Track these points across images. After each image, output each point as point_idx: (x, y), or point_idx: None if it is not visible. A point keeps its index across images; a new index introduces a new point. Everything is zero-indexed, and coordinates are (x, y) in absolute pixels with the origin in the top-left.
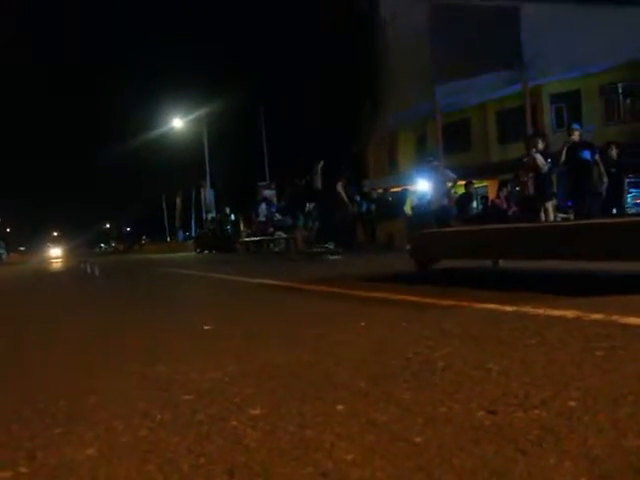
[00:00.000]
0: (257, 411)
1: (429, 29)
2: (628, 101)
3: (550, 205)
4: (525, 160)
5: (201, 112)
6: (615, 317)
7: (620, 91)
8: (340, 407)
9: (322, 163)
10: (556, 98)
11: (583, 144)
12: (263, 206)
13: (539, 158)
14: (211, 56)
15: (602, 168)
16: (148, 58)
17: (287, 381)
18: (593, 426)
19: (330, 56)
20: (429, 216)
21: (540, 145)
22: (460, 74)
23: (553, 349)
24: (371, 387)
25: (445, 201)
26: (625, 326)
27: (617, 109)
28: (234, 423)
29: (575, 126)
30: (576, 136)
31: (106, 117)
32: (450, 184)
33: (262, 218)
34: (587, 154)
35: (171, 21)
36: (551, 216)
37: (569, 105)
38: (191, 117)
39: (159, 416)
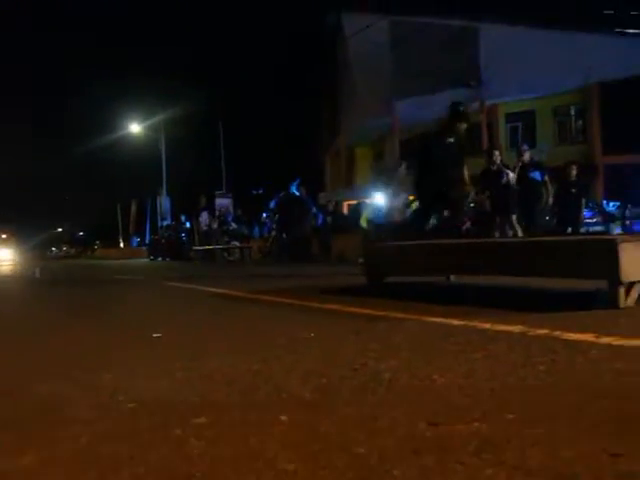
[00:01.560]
0: (202, 420)
1: (390, 46)
2: (580, 123)
3: (514, 218)
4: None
5: (159, 119)
6: (558, 332)
7: (572, 113)
8: (284, 417)
9: (299, 180)
10: (511, 117)
11: (533, 164)
12: (204, 215)
13: (508, 172)
14: (171, 64)
15: (550, 189)
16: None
17: (234, 390)
18: (531, 438)
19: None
20: (388, 229)
21: (499, 159)
22: (419, 90)
23: (497, 363)
24: (317, 397)
25: (407, 214)
26: (566, 341)
27: (569, 130)
28: (178, 432)
29: (524, 147)
30: (526, 156)
31: (62, 118)
32: (411, 197)
33: (204, 227)
34: (537, 174)
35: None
36: (518, 229)
37: (524, 124)
38: (149, 123)
39: (101, 424)
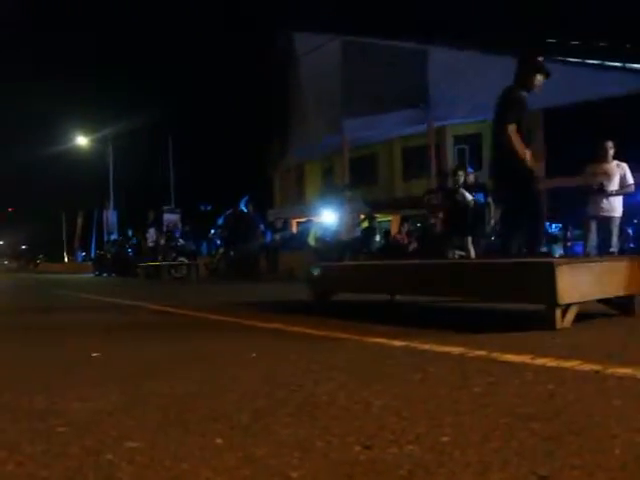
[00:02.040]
0: (135, 444)
1: (340, 65)
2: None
3: (469, 240)
4: (432, 199)
5: (107, 131)
6: (496, 354)
7: None
8: (219, 440)
9: (247, 197)
10: (459, 140)
11: (477, 186)
12: (152, 231)
13: (466, 194)
14: (122, 77)
15: (492, 210)
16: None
17: (170, 413)
18: (462, 461)
19: (241, 87)
20: (337, 248)
21: (462, 179)
22: (369, 110)
23: (434, 385)
24: (253, 420)
25: (357, 233)
26: (503, 363)
27: None
28: (109, 456)
29: (469, 169)
30: (471, 178)
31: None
32: (362, 216)
33: (151, 243)
34: (480, 196)
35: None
36: (472, 251)
37: (471, 147)
38: (97, 136)
39: (29, 449)
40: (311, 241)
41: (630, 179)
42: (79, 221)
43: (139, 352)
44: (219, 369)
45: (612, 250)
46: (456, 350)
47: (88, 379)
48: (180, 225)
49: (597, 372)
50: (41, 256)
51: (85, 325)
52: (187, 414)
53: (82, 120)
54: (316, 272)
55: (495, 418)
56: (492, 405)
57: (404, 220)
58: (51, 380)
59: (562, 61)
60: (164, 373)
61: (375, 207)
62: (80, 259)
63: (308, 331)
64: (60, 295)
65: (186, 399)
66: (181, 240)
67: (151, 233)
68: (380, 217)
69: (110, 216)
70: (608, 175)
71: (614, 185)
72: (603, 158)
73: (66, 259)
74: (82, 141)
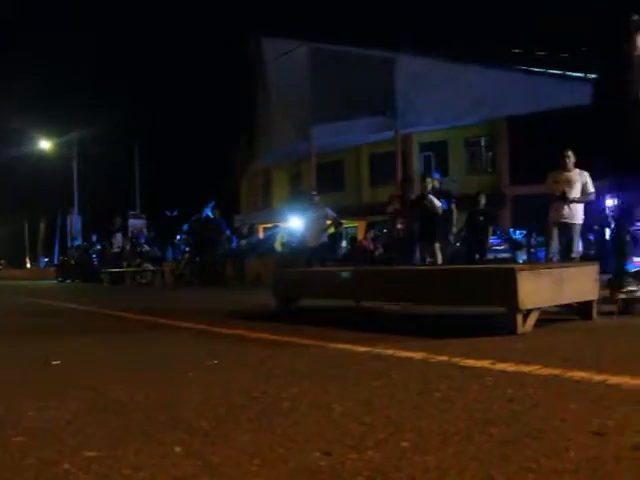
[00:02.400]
0: (93, 453)
1: (308, 72)
2: (489, 154)
3: (437, 246)
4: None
5: (72, 136)
6: (457, 359)
7: (482, 144)
8: (178, 449)
9: (213, 203)
10: (425, 147)
11: (441, 192)
12: (118, 236)
13: (435, 200)
14: (85, 81)
15: (455, 216)
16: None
17: (130, 420)
18: (421, 466)
19: (209, 92)
20: (304, 253)
21: (430, 186)
22: (336, 117)
23: (396, 390)
24: (213, 427)
25: (324, 239)
26: (464, 368)
27: (479, 161)
28: (66, 466)
29: (435, 175)
30: (435, 184)
31: None
32: (328, 222)
33: (116, 249)
34: (444, 203)
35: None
36: (439, 257)
37: (437, 154)
38: (62, 140)
39: None
40: (277, 247)
41: (591, 187)
42: (42, 226)
43: (99, 359)
44: (180, 376)
45: (573, 256)
46: (419, 355)
47: (47, 387)
48: (145, 231)
49: (555, 376)
50: (2, 262)
51: (45, 332)
52: (147, 422)
53: (46, 124)
54: (280, 278)
55: (454, 423)
56: (452, 410)
57: (370, 226)
58: (8, 388)
59: (526, 71)
60: (124, 380)
61: (341, 213)
62: (43, 265)
63: (272, 337)
64: (21, 302)
65: (146, 406)
66: (146, 246)
67: (117, 239)
68: (347, 223)
69: (74, 221)
70: (569, 183)
71: (575, 193)
72: (564, 167)
73: (29, 265)
74: (45, 145)
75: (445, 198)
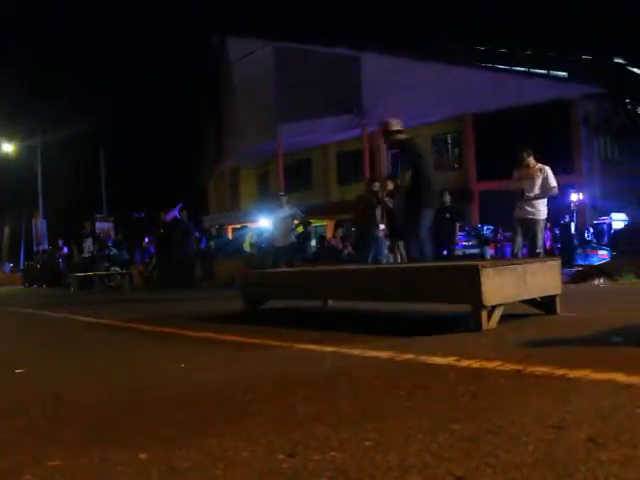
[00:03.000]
0: (56, 462)
1: (274, 71)
2: (456, 151)
3: (401, 245)
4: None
5: (36, 139)
6: (423, 357)
7: (449, 141)
8: (143, 455)
9: (181, 204)
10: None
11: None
12: (89, 241)
13: (388, 201)
14: (49, 82)
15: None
16: None
17: (95, 428)
18: (383, 465)
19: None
20: (272, 254)
21: (390, 186)
22: (303, 116)
23: (361, 390)
24: (179, 432)
25: (292, 238)
26: (429, 366)
27: (446, 158)
28: (28, 477)
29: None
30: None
31: None
32: (296, 222)
33: (87, 254)
34: None
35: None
36: (403, 254)
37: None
38: (25, 143)
39: None
40: (246, 247)
41: (552, 182)
42: (6, 231)
43: (63, 365)
44: (147, 380)
45: (538, 251)
46: (385, 354)
47: (9, 396)
48: (113, 233)
49: (518, 372)
50: None
51: (8, 339)
52: (111, 428)
53: (7, 126)
54: (247, 279)
55: (418, 421)
56: (416, 408)
57: (338, 225)
58: None
59: (490, 68)
60: (89, 386)
61: (310, 211)
62: (8, 270)
63: (239, 339)
64: None
65: (110, 412)
66: (114, 249)
67: (88, 243)
68: (315, 222)
69: (40, 225)
70: (530, 180)
71: (536, 189)
72: (522, 164)
73: None
74: (8, 148)
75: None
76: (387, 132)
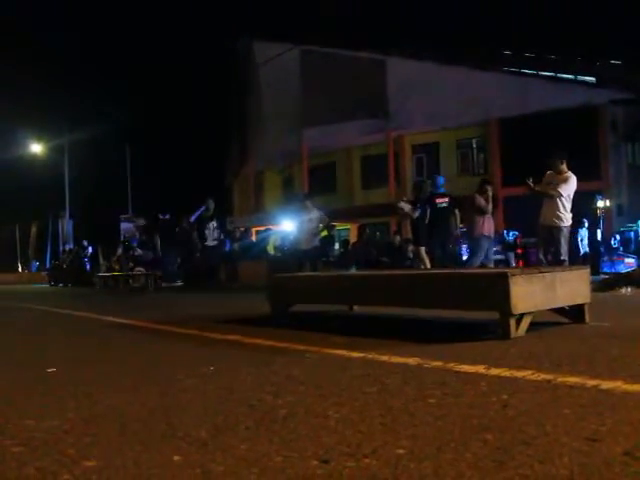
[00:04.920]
0: (92, 463)
1: (299, 75)
2: (481, 156)
3: (423, 250)
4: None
5: (64, 139)
6: (451, 364)
7: (474, 146)
8: (177, 458)
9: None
10: (417, 149)
11: (440, 194)
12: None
13: (405, 206)
14: (78, 84)
15: (458, 218)
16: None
17: (128, 429)
18: (416, 473)
19: (201, 94)
20: (296, 257)
21: (409, 195)
22: (328, 119)
23: (391, 397)
24: (211, 436)
25: (317, 242)
26: (458, 373)
27: (471, 162)
28: (66, 477)
29: (439, 180)
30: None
31: None
32: (321, 225)
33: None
34: (421, 208)
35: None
36: (426, 261)
37: (429, 156)
38: (52, 143)
39: None
40: (270, 250)
41: (567, 189)
42: (33, 230)
43: (95, 366)
44: (177, 383)
45: (563, 258)
46: (413, 361)
47: (44, 396)
48: (138, 234)
49: (549, 382)
50: None
51: (38, 339)
52: (144, 430)
53: (37, 126)
54: (274, 283)
55: (450, 429)
56: (447, 417)
57: (363, 229)
58: (5, 398)
59: (516, 73)
60: (121, 388)
61: (334, 215)
62: (34, 269)
63: (267, 343)
64: (16, 307)
65: (143, 415)
66: (139, 249)
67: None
68: (339, 226)
69: (66, 225)
70: (560, 185)
71: (565, 195)
72: (557, 170)
73: (20, 269)
74: (37, 148)
75: (446, 199)
76: None
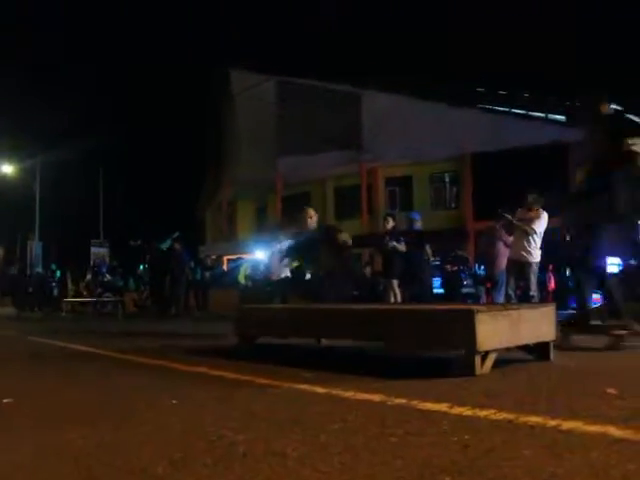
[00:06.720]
0: None
1: (275, 105)
2: (454, 190)
3: (395, 283)
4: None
5: (35, 161)
6: (415, 402)
7: (447, 180)
8: None
9: (178, 234)
10: (391, 181)
11: (408, 233)
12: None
13: (399, 246)
14: (51, 106)
15: (429, 253)
16: None
17: (83, 465)
18: None
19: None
20: (267, 287)
21: (390, 224)
22: (303, 149)
23: (353, 434)
24: (168, 472)
25: (287, 272)
26: (422, 411)
27: (444, 197)
28: None
29: (414, 216)
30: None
31: None
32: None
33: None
34: (402, 242)
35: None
36: (398, 295)
37: (402, 189)
38: (24, 165)
39: None
40: (241, 279)
41: (538, 226)
42: (0, 253)
43: (54, 397)
44: (137, 417)
45: (532, 294)
46: (377, 397)
47: None
48: (107, 259)
49: (510, 421)
50: None
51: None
52: (99, 466)
53: (7, 147)
54: (242, 314)
55: (409, 470)
56: (407, 456)
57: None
58: None
59: (489, 110)
60: (79, 420)
61: None
62: None
63: (232, 376)
64: None
65: (100, 450)
66: (108, 275)
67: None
68: None
69: (35, 248)
70: (532, 221)
71: (537, 231)
72: (530, 207)
73: None
74: (7, 169)
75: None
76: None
